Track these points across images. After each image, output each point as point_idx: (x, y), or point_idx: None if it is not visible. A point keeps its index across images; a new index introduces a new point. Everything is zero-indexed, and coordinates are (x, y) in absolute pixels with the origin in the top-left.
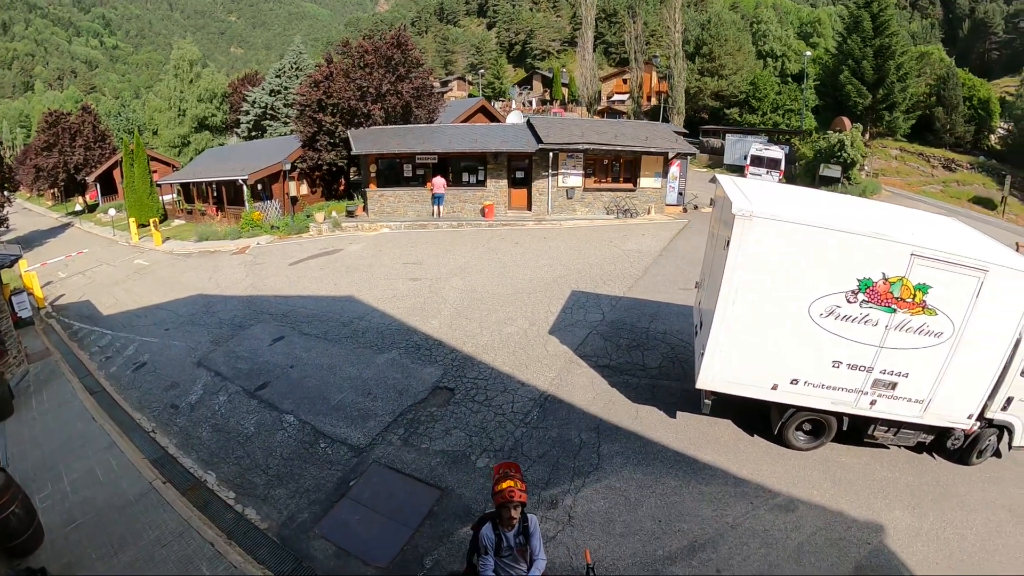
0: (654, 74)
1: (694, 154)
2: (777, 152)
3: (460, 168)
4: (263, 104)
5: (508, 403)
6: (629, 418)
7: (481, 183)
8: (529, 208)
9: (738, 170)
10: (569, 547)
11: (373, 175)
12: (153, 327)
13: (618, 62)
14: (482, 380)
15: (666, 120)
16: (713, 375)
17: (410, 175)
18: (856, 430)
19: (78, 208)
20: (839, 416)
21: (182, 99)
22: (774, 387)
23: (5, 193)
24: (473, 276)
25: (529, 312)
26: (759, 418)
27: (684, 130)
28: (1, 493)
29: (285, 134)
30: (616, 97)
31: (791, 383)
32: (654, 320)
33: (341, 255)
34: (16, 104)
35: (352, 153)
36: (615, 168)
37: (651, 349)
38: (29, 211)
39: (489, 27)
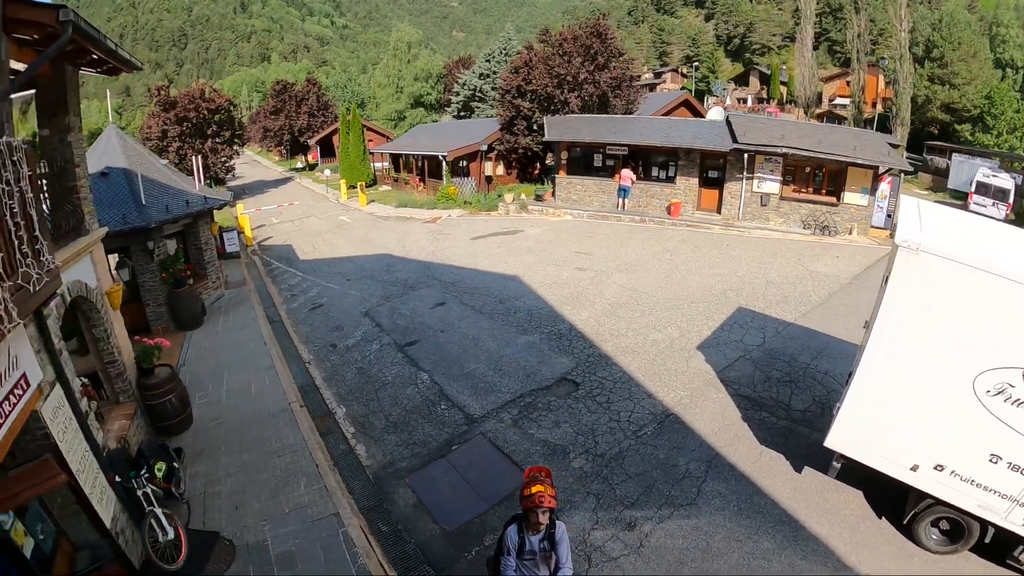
0: (880, 78)
1: (911, 171)
2: (1007, 181)
3: (650, 162)
4: (472, 86)
5: (627, 411)
6: (749, 459)
7: (670, 179)
8: (719, 211)
9: (962, 196)
10: (625, 571)
11: (564, 162)
12: (338, 276)
13: (843, 62)
14: (610, 382)
15: (887, 131)
16: (846, 436)
17: (599, 165)
18: (1002, 546)
19: (299, 166)
20: (983, 523)
21: (400, 77)
22: (914, 468)
23: (234, 147)
24: (639, 274)
25: (683, 321)
26: (894, 501)
27: (898, 142)
28: (164, 383)
29: (491, 116)
30: (838, 101)
31: (935, 468)
32: (818, 356)
33: (520, 236)
34: (254, 72)
35: (545, 139)
36: (817, 178)
37: (803, 389)
38: (258, 164)
39: (707, 19)
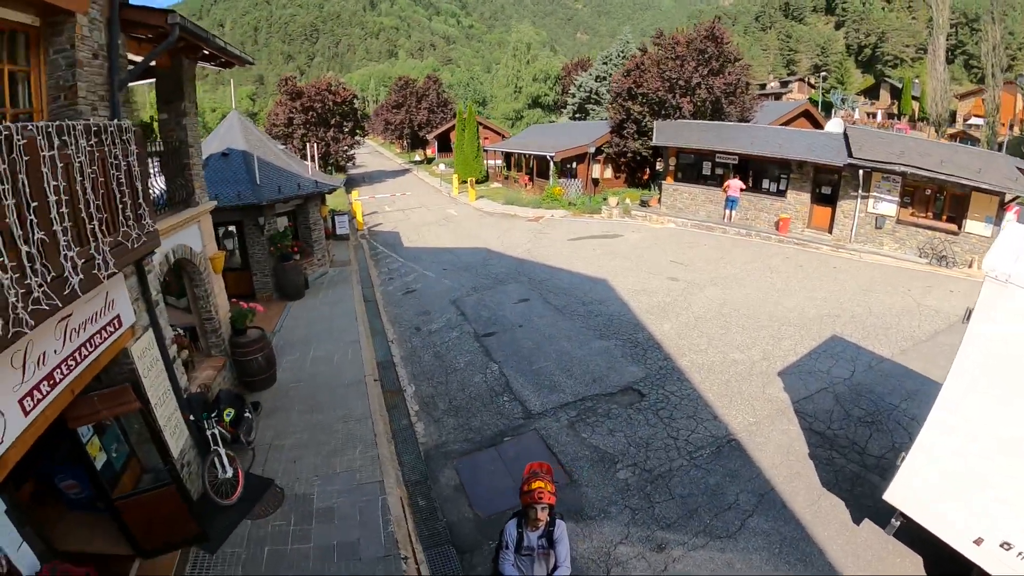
0: (1018, 97)
1: None
2: None
3: (761, 173)
4: (588, 89)
5: (687, 431)
6: (805, 501)
7: (781, 193)
8: (829, 231)
9: None
10: None
11: (672, 168)
12: (435, 265)
13: (979, 78)
14: (676, 397)
15: (1022, 156)
16: (907, 490)
17: (708, 173)
18: None
19: (417, 159)
20: None
21: (519, 77)
22: (977, 541)
23: (357, 137)
24: (733, 290)
25: (769, 344)
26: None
27: None
28: (254, 343)
29: (604, 119)
30: (973, 120)
31: (1001, 546)
32: (909, 399)
33: (618, 241)
34: (381, 67)
35: (652, 143)
36: (937, 202)
37: (884, 432)
38: (380, 154)
39: (837, 26)
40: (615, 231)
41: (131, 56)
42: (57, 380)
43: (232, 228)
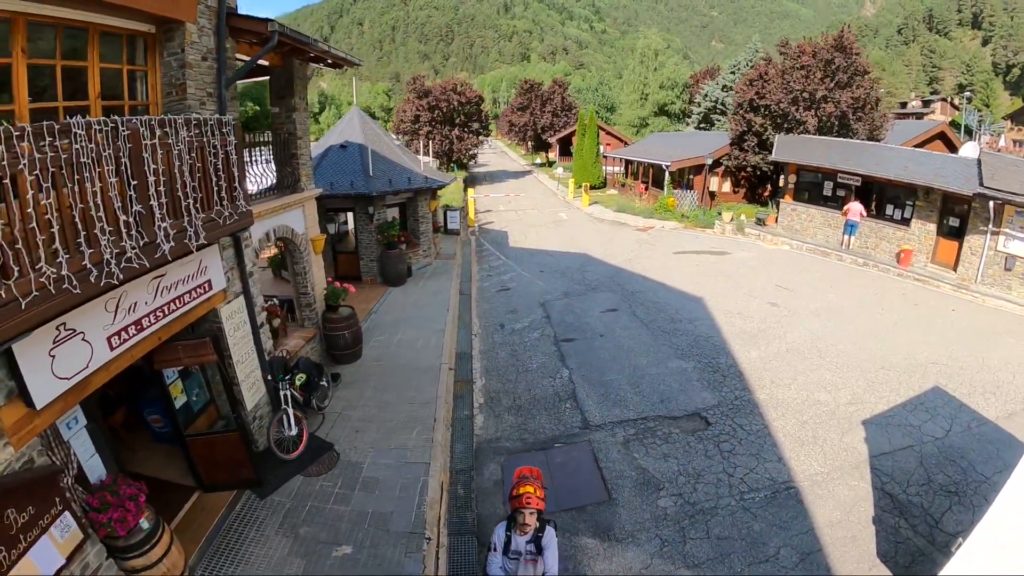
0: None
1: None
2: None
3: (885, 198)
4: (714, 98)
5: (745, 469)
6: (853, 566)
7: (904, 221)
8: (954, 268)
9: None
10: None
11: (791, 186)
12: (534, 266)
13: None
14: (744, 432)
15: None
16: None
17: (828, 194)
18: None
19: (538, 161)
20: None
21: (645, 84)
22: None
23: (480, 137)
24: (836, 324)
25: (861, 387)
26: None
27: None
28: (343, 320)
29: (728, 130)
30: None
31: None
32: (1004, 472)
33: (725, 259)
34: (513, 69)
35: (771, 158)
36: None
37: (966, 507)
38: (505, 155)
39: (984, 43)
40: (724, 248)
41: (243, 57)
42: (144, 327)
43: (346, 215)
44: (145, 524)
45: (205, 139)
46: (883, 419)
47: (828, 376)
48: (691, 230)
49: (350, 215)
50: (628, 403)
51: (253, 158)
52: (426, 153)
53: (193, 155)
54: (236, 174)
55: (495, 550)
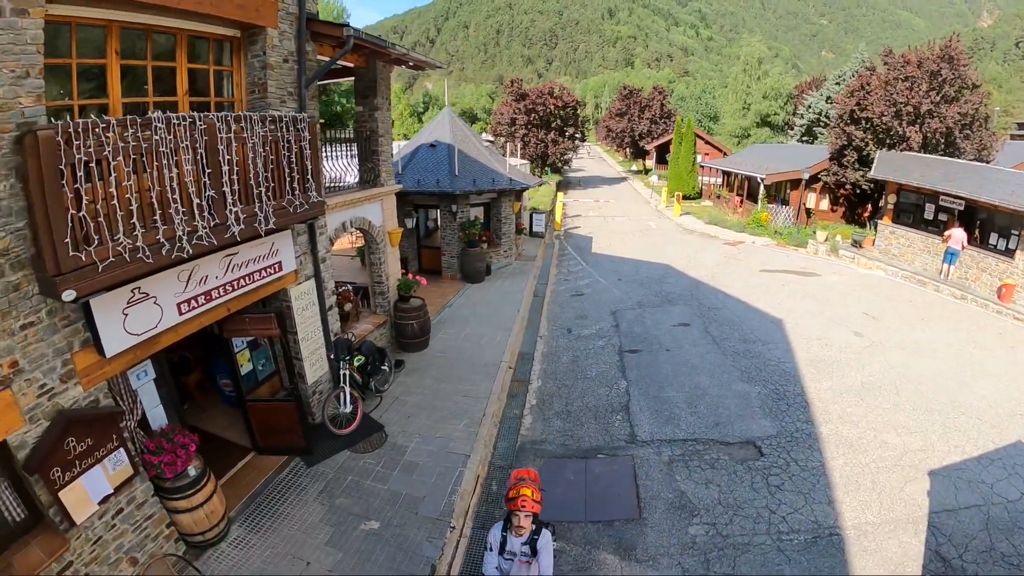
0: None
1: None
2: None
3: (989, 225)
4: (818, 110)
5: (790, 508)
6: None
7: (1009, 252)
8: None
9: None
10: None
11: (890, 207)
12: (613, 274)
13: None
14: (797, 467)
15: None
16: None
17: (930, 218)
18: None
19: (635, 168)
20: None
21: (748, 93)
22: None
23: (575, 141)
24: (920, 360)
25: (935, 433)
26: None
27: None
28: (413, 311)
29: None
30: None
31: None
32: None
33: (813, 281)
34: (616, 75)
35: (870, 175)
36: None
37: None
38: (603, 161)
39: None
40: (814, 269)
41: (325, 59)
42: (213, 297)
43: (433, 211)
44: (192, 471)
45: (280, 134)
46: (953, 471)
47: (901, 417)
48: (782, 248)
49: (436, 212)
50: (681, 422)
51: (336, 153)
52: (522, 156)
53: (267, 148)
54: (309, 167)
55: (491, 550)
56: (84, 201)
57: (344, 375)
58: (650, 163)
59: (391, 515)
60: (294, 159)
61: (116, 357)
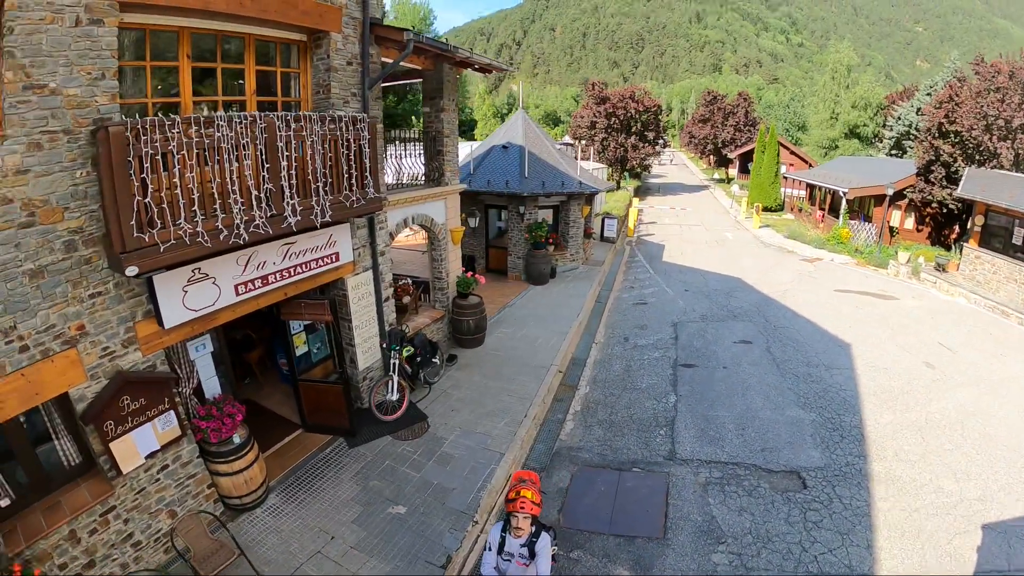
0: None
1: None
2: None
3: None
4: (907, 122)
5: (825, 548)
6: None
7: None
8: None
9: None
10: None
11: (977, 229)
12: (680, 284)
13: None
14: (840, 505)
15: None
16: None
17: (1018, 243)
18: None
19: (717, 177)
20: None
21: (836, 103)
22: None
23: (656, 147)
24: (993, 399)
25: (997, 482)
26: None
27: None
28: (470, 308)
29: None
30: None
31: None
32: None
33: (890, 304)
34: (703, 80)
35: (956, 194)
36: None
37: None
38: (685, 167)
39: None
40: (893, 292)
41: (388, 60)
42: (270, 282)
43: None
44: (236, 439)
45: (339, 133)
46: (1010, 527)
47: (962, 461)
48: (861, 267)
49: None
50: (725, 444)
51: (412, 151)
52: (601, 160)
53: (326, 146)
54: (367, 164)
55: (490, 549)
56: (149, 189)
57: (394, 364)
58: (733, 172)
59: (419, 502)
60: (352, 157)
61: (174, 329)
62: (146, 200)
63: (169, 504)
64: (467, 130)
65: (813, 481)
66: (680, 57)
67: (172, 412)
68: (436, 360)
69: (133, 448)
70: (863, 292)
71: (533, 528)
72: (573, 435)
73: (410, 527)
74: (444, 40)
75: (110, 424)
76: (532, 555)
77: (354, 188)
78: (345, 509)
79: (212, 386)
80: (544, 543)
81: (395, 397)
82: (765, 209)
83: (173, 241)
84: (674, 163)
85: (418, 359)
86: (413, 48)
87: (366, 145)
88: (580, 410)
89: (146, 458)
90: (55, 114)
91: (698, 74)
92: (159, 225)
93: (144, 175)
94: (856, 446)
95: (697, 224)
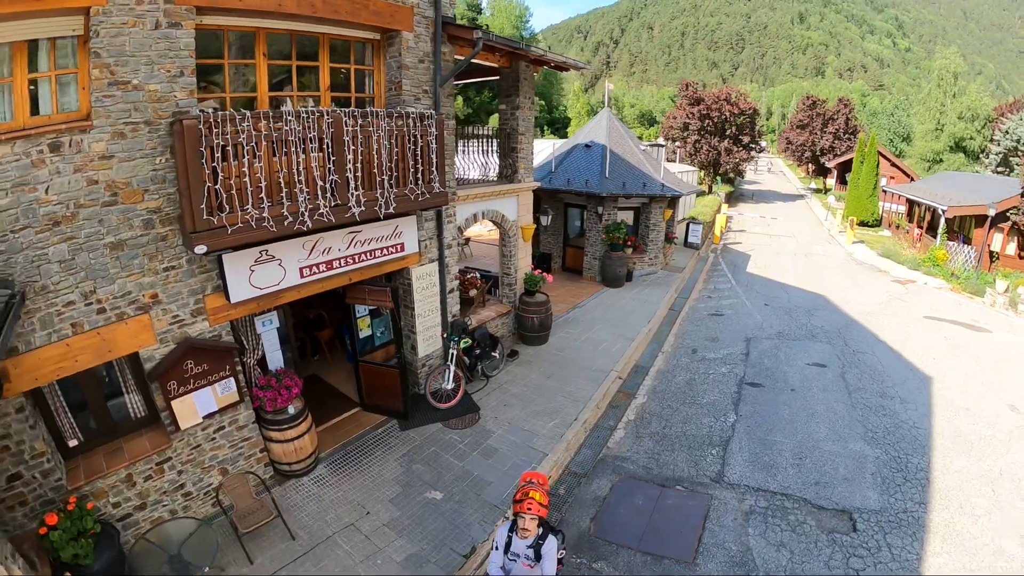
0: None
1: None
2: None
3: None
4: (1016, 136)
5: None
6: None
7: None
8: None
9: None
10: None
11: None
12: (760, 297)
13: None
14: (888, 555)
15: None
16: None
17: None
18: None
19: (813, 186)
20: None
21: (941, 113)
22: None
23: (751, 152)
24: None
25: None
26: None
27: None
28: (536, 306)
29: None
30: None
31: None
32: None
33: (981, 338)
34: (805, 84)
35: None
36: None
37: None
38: (782, 174)
39: None
40: (986, 324)
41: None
42: (334, 267)
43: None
44: (291, 410)
45: (405, 129)
46: None
47: None
48: (956, 294)
49: (585, 212)
50: (778, 472)
51: (469, 148)
52: (693, 163)
53: (392, 141)
54: (434, 160)
55: (497, 548)
56: (220, 177)
57: (452, 354)
58: (830, 182)
59: (456, 491)
60: (419, 152)
61: (240, 304)
62: (216, 187)
63: (222, 462)
64: (560, 127)
65: (864, 524)
66: (781, 59)
67: (232, 379)
68: (496, 354)
69: (192, 408)
70: (954, 321)
71: (540, 530)
72: (622, 444)
73: (443, 513)
74: (537, 39)
75: (173, 384)
76: (538, 557)
77: (419, 182)
78: (385, 488)
79: (276, 359)
80: (550, 546)
81: (450, 386)
82: (861, 224)
83: (240, 224)
84: (771, 171)
85: (476, 352)
86: (483, 46)
87: (433, 141)
88: (633, 419)
89: (204, 418)
90: (137, 107)
91: (800, 77)
92: (228, 209)
93: (215, 164)
94: (919, 491)
95: (788, 235)
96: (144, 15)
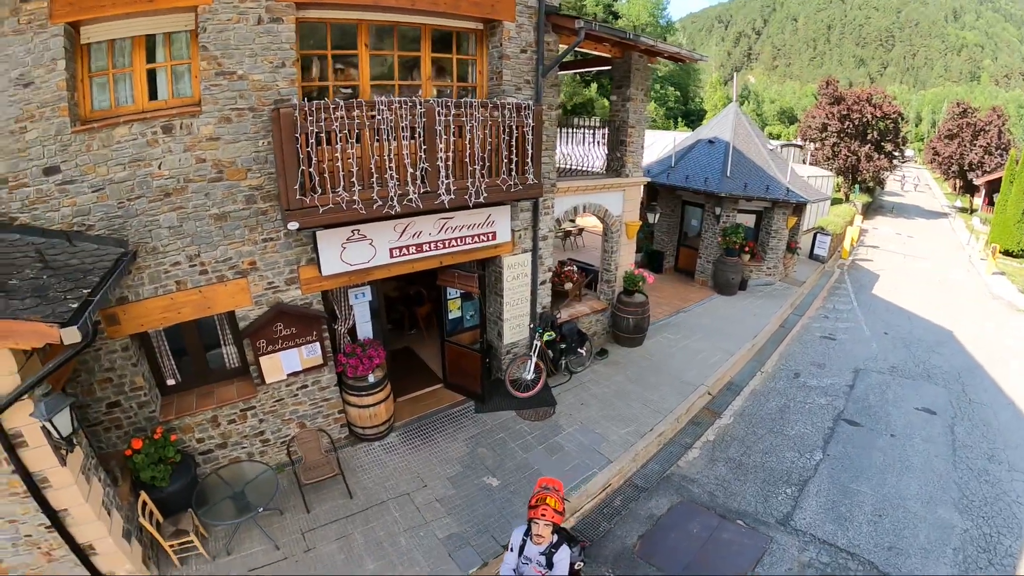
0: None
1: None
2: None
3: None
4: None
5: None
6: None
7: None
8: None
9: None
10: None
11: None
12: (881, 324)
13: None
14: None
15: None
16: None
17: None
18: None
19: (959, 204)
20: None
21: None
22: None
23: (893, 160)
24: None
25: None
26: None
27: None
28: (633, 306)
29: None
30: None
31: None
32: None
33: None
34: (958, 89)
35: None
36: None
37: None
38: (928, 188)
39: None
40: None
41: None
42: (424, 250)
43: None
44: (371, 378)
45: (501, 120)
46: None
47: None
48: None
49: (702, 211)
50: (851, 527)
51: (579, 140)
52: (829, 167)
53: (486, 132)
54: (530, 151)
55: (511, 550)
56: (314, 161)
57: (536, 346)
58: (977, 201)
59: (512, 480)
60: (514, 143)
61: (331, 277)
62: (310, 170)
63: (301, 417)
64: (695, 119)
65: None
66: (934, 60)
67: (318, 344)
68: (582, 351)
69: (279, 365)
70: None
71: (555, 537)
72: (693, 465)
73: (494, 500)
74: (674, 28)
75: (263, 342)
76: (550, 565)
77: (513, 173)
78: (447, 465)
79: (365, 330)
80: (562, 555)
81: (530, 377)
82: (1005, 252)
83: (331, 205)
84: (916, 182)
85: (561, 346)
86: (586, 35)
87: (530, 132)
88: (712, 440)
89: (288, 375)
90: (242, 95)
91: (953, 81)
92: (320, 191)
93: (309, 149)
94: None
95: (924, 257)
96: (247, 12)
